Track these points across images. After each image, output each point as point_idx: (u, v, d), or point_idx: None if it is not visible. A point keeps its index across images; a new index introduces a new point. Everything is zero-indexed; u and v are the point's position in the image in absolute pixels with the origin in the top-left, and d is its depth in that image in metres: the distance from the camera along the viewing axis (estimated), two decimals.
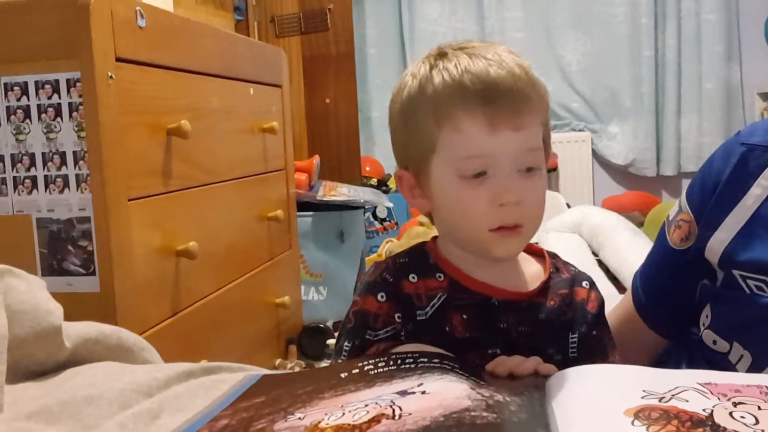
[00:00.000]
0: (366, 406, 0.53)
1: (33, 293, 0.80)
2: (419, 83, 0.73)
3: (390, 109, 0.79)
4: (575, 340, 0.75)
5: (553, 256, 0.81)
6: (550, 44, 3.71)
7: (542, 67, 3.67)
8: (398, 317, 0.73)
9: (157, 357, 0.89)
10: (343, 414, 0.53)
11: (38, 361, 0.77)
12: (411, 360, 0.63)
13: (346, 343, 0.74)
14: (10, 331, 0.74)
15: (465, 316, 0.73)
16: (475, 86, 0.69)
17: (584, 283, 0.79)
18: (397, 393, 0.55)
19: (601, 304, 0.79)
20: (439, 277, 0.75)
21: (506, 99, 0.69)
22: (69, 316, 0.81)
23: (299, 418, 0.54)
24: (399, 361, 0.63)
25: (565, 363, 0.71)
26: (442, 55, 0.73)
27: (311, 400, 0.58)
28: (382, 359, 0.64)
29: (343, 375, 0.63)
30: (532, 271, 0.78)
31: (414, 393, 0.55)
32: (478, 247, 0.73)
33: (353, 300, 0.76)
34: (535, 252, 0.81)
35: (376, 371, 0.62)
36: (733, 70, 3.55)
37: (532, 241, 0.81)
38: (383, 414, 0.51)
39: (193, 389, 0.71)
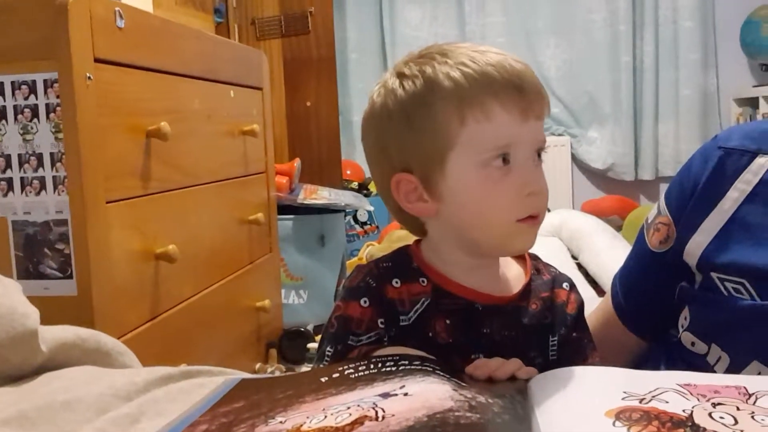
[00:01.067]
0: (348, 408, 0.53)
1: (8, 296, 0.78)
2: (426, 80, 0.70)
3: (375, 114, 0.74)
4: (555, 342, 0.76)
5: (534, 257, 0.81)
6: (530, 50, 3.74)
7: None
8: (381, 323, 0.72)
9: (136, 361, 0.88)
10: (326, 417, 0.52)
11: (14, 366, 0.76)
12: (392, 363, 0.63)
13: (328, 348, 0.73)
14: None
15: (448, 321, 0.72)
16: (503, 75, 0.68)
17: (564, 285, 0.79)
18: (380, 395, 0.55)
19: (581, 305, 0.79)
20: (423, 281, 0.74)
21: (531, 88, 0.69)
22: (46, 320, 0.80)
23: (280, 422, 0.53)
24: (380, 365, 0.63)
25: (546, 366, 0.71)
26: (444, 53, 0.71)
27: (292, 404, 0.57)
28: (362, 363, 0.64)
29: (323, 379, 0.62)
30: (514, 274, 0.78)
31: (396, 395, 0.55)
32: (497, 243, 0.72)
33: (336, 305, 0.75)
34: None
35: (357, 375, 0.62)
36: (710, 77, 3.61)
37: None
38: (366, 416, 0.51)
39: (172, 393, 0.70)
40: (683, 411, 0.50)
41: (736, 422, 0.49)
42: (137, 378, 0.73)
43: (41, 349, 0.77)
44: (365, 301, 0.73)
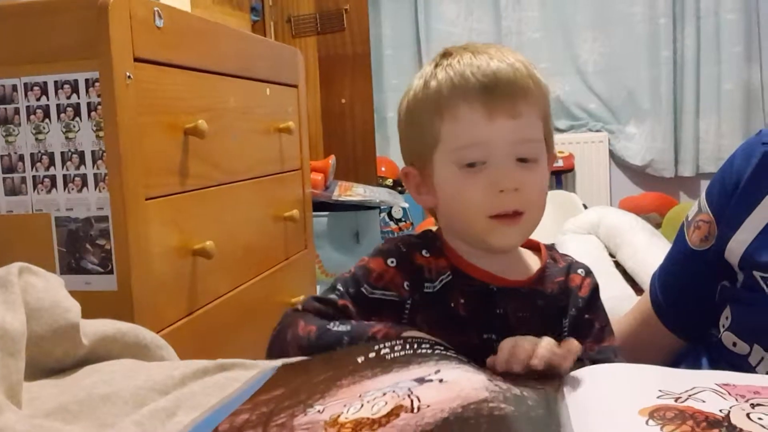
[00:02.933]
0: (384, 395, 0.53)
1: (51, 291, 0.80)
2: (424, 81, 0.77)
3: (398, 110, 0.83)
4: (566, 324, 0.77)
5: (550, 247, 0.83)
6: (567, 44, 3.69)
7: (559, 68, 3.66)
8: (406, 285, 0.75)
9: (174, 355, 0.89)
10: (362, 405, 0.53)
11: (56, 359, 0.78)
12: (428, 345, 0.64)
13: (339, 286, 0.77)
14: (28, 329, 0.74)
15: (463, 301, 0.75)
16: (476, 77, 0.72)
17: (579, 271, 0.81)
18: (415, 380, 0.55)
19: (594, 289, 0.80)
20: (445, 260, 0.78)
21: (504, 88, 0.72)
22: (87, 314, 0.82)
23: (318, 411, 0.54)
24: (416, 346, 0.64)
25: None
26: (446, 54, 0.77)
27: (329, 389, 0.58)
28: (398, 343, 0.65)
29: (360, 360, 0.63)
30: (530, 263, 0.80)
31: (431, 381, 0.55)
32: (477, 237, 0.75)
33: (360, 259, 0.79)
34: (533, 246, 0.82)
35: (392, 355, 0.63)
36: (753, 71, 3.52)
37: (549, 240, 0.82)
38: (401, 406, 0.51)
39: (208, 387, 0.71)
40: (720, 411, 0.49)
41: None
42: (175, 372, 0.74)
43: (82, 343, 0.79)
44: (392, 261, 0.76)
